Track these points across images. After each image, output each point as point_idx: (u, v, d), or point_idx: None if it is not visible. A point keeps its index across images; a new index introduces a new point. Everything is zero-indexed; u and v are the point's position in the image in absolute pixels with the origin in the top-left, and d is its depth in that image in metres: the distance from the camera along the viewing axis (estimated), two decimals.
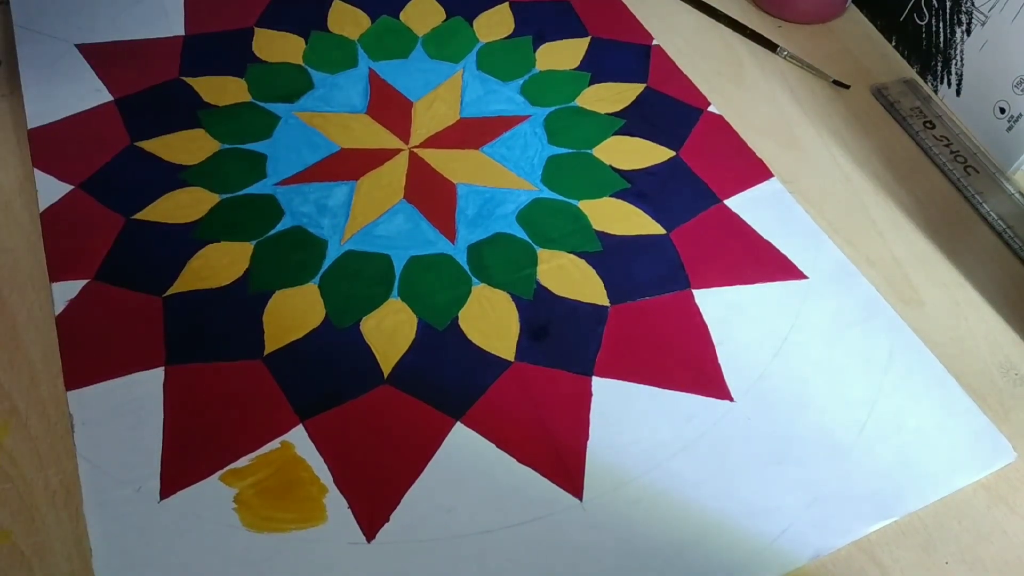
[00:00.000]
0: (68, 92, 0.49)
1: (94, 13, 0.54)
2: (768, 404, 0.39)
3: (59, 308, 0.39)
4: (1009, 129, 0.50)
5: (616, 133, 0.50)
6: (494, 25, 0.56)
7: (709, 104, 0.52)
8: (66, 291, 0.40)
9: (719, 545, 0.35)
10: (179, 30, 0.54)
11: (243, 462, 0.36)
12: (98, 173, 0.45)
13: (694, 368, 0.40)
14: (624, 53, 0.55)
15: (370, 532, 0.34)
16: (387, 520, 0.35)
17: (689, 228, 0.46)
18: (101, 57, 0.51)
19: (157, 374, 0.38)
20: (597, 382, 0.39)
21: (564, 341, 0.41)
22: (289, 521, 0.34)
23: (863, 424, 0.39)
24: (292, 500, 0.35)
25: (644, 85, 0.53)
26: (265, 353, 0.39)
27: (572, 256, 0.44)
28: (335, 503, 0.35)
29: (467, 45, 0.55)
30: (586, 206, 0.46)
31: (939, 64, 0.55)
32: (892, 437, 0.39)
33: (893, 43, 0.59)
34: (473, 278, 0.43)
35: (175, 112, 0.49)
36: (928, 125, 0.53)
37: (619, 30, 0.57)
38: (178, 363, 0.38)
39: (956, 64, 0.53)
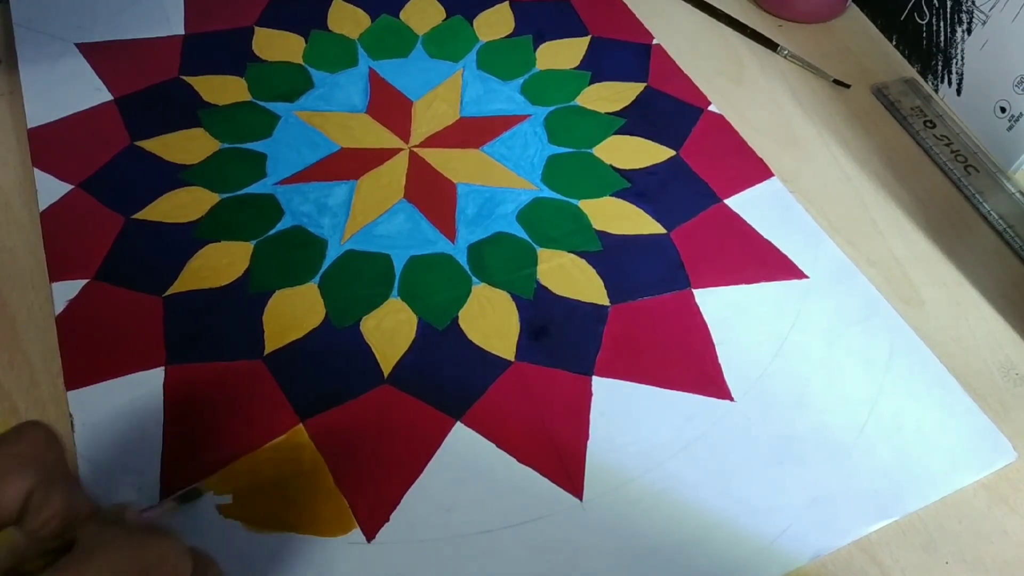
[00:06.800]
0: (68, 91, 0.49)
1: (94, 12, 0.54)
2: (768, 404, 0.39)
3: (59, 308, 0.39)
4: (1010, 128, 0.50)
5: (616, 132, 0.50)
6: (494, 24, 0.56)
7: (709, 103, 0.52)
8: (66, 291, 0.40)
9: (719, 545, 0.35)
10: (179, 29, 0.54)
11: (242, 462, 0.36)
12: (98, 173, 0.45)
13: (694, 368, 0.40)
14: (624, 52, 0.55)
15: (370, 532, 0.34)
16: (387, 520, 0.35)
17: (689, 228, 0.46)
18: (101, 56, 0.51)
19: (157, 374, 0.38)
20: (597, 382, 0.39)
21: (564, 341, 0.41)
22: (293, 524, 0.34)
23: (863, 424, 0.39)
24: (296, 501, 0.35)
25: (644, 84, 0.53)
26: (265, 353, 0.39)
27: (572, 256, 0.44)
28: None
29: (467, 44, 0.55)
30: (586, 205, 0.46)
31: (939, 63, 0.55)
32: (892, 437, 0.39)
33: (893, 42, 0.59)
34: (473, 278, 0.43)
35: (175, 111, 0.49)
36: (928, 124, 0.53)
37: (619, 29, 0.57)
38: (178, 363, 0.38)
39: (957, 63, 0.53)
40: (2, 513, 0.25)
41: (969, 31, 0.52)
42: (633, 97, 0.52)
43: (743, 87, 0.55)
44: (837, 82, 0.55)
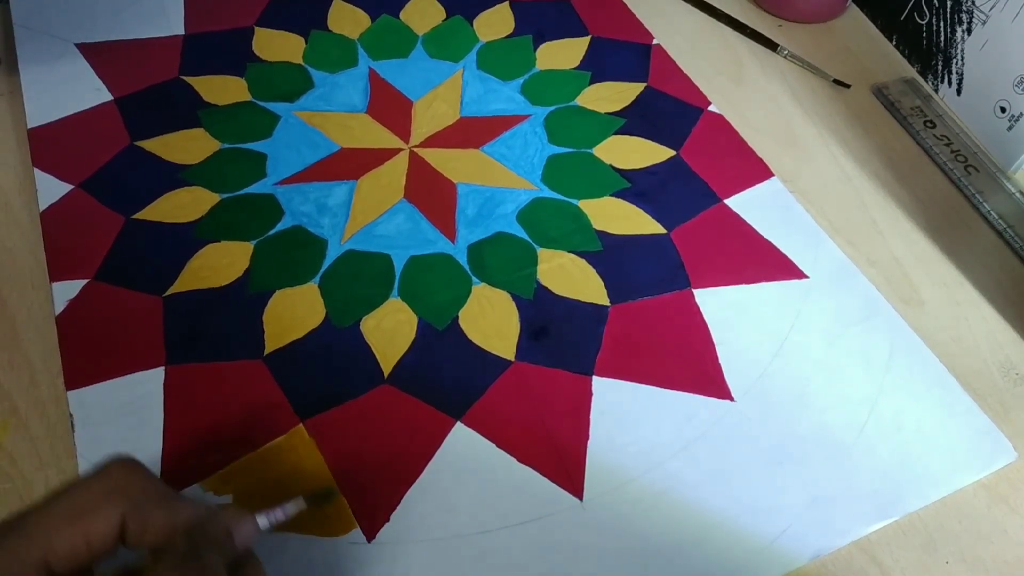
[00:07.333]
0: (68, 92, 0.49)
1: (94, 12, 0.54)
2: (768, 404, 0.39)
3: (59, 308, 0.39)
4: (1010, 128, 0.50)
5: (616, 132, 0.50)
6: (494, 24, 0.56)
7: (709, 103, 0.52)
8: (66, 291, 0.40)
9: (719, 545, 0.35)
10: (179, 29, 0.54)
11: (242, 462, 0.36)
12: (98, 173, 0.45)
13: (694, 368, 0.40)
14: (624, 52, 0.55)
15: (370, 532, 0.34)
16: (387, 520, 0.35)
17: (689, 228, 0.46)
18: (101, 56, 0.51)
19: (157, 374, 0.38)
20: (597, 382, 0.39)
21: (564, 341, 0.41)
22: (293, 524, 0.34)
23: (863, 424, 0.39)
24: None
25: (644, 84, 0.53)
26: (265, 353, 0.39)
27: (572, 256, 0.44)
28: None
29: (467, 44, 0.55)
30: (586, 205, 0.46)
31: (940, 63, 0.55)
32: (892, 437, 0.39)
33: (893, 42, 0.59)
34: (473, 278, 0.43)
35: (175, 111, 0.49)
36: (929, 124, 0.53)
37: (619, 29, 0.57)
38: (178, 363, 0.38)
39: (957, 63, 0.53)
40: (98, 544, 0.26)
41: (969, 31, 0.52)
42: (633, 97, 0.52)
43: (743, 87, 0.55)
44: (837, 82, 0.55)
